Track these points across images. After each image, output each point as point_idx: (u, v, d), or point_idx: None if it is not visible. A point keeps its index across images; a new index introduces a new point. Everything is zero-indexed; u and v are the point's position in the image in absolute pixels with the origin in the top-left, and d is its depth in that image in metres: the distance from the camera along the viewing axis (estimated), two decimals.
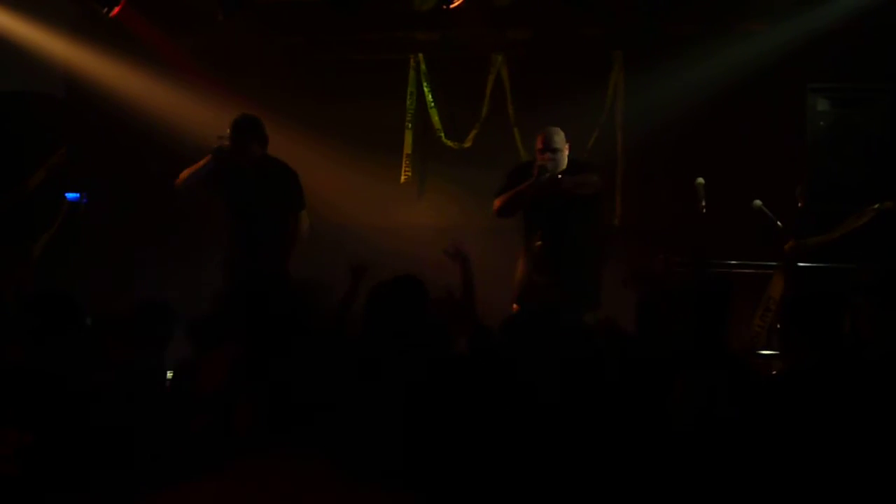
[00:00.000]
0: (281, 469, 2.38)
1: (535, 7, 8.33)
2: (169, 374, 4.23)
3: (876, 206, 6.68)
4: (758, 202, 6.95)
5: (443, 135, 8.85)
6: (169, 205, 6.84)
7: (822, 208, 6.97)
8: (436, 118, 8.85)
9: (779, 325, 5.81)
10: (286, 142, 7.80)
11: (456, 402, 3.14)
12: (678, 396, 3.25)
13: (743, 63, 7.81)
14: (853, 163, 7.02)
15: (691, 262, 6.80)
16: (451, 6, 7.76)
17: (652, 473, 2.98)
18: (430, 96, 8.84)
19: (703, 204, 6.82)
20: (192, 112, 8.18)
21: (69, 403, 3.34)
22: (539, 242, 6.11)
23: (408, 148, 8.90)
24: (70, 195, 7.84)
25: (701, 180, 6.89)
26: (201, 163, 6.57)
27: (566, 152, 6.46)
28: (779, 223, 6.90)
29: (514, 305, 6.38)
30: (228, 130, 6.52)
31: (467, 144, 8.79)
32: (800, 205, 7.12)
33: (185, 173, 6.62)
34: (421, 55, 8.85)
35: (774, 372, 5.58)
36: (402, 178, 8.90)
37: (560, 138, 6.42)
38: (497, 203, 6.57)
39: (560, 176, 6.34)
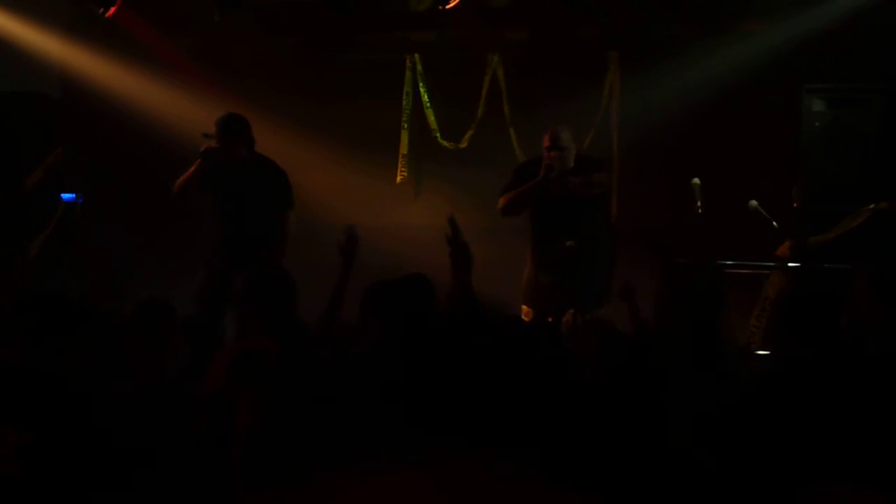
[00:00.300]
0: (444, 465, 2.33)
1: (532, 7, 8.35)
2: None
3: (871, 206, 6.69)
4: (754, 202, 6.96)
5: (439, 135, 8.85)
6: (165, 205, 6.84)
7: (817, 209, 6.99)
8: (432, 118, 8.86)
9: (773, 325, 5.83)
10: (283, 142, 7.81)
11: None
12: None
13: (738, 64, 7.83)
14: (849, 163, 7.03)
15: (688, 262, 6.80)
16: (448, 6, 7.76)
17: (639, 473, 2.97)
18: (426, 96, 8.85)
19: (699, 204, 6.83)
20: (189, 112, 8.17)
21: (67, 404, 3.34)
22: (570, 242, 6.00)
23: (404, 148, 8.91)
24: (66, 196, 7.84)
25: (697, 181, 6.89)
26: (192, 168, 6.56)
27: (573, 150, 6.44)
28: (774, 223, 6.91)
29: (524, 307, 6.38)
30: (214, 129, 6.51)
31: (463, 145, 8.80)
32: (795, 205, 7.13)
33: (179, 181, 6.61)
34: (417, 55, 8.86)
35: (769, 371, 5.58)
36: (398, 178, 8.91)
37: (567, 136, 6.39)
38: (502, 201, 6.51)
39: (569, 177, 6.31)
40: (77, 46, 8.69)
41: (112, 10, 8.00)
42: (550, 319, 5.93)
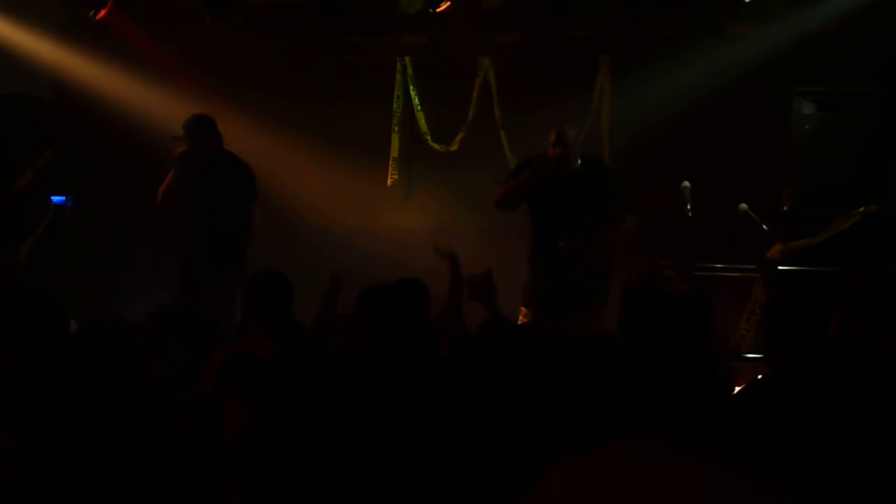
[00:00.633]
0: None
1: (522, 10, 8.34)
2: None
3: (861, 209, 6.71)
4: (744, 206, 6.98)
5: (429, 138, 8.85)
6: (153, 208, 6.85)
7: (807, 211, 7.00)
8: (422, 121, 8.85)
9: (762, 328, 5.83)
10: (272, 144, 7.81)
11: None
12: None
13: (728, 66, 7.85)
14: (838, 166, 7.06)
15: (677, 265, 6.81)
16: (438, 9, 7.76)
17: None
18: (416, 99, 8.85)
19: (689, 207, 6.84)
20: (179, 115, 8.13)
21: (57, 405, 3.33)
22: (562, 244, 6.05)
23: (394, 151, 8.90)
24: (55, 198, 7.82)
25: (687, 184, 6.91)
26: (170, 175, 6.71)
27: (578, 148, 6.42)
28: (765, 226, 6.92)
29: (522, 308, 6.37)
30: (182, 132, 6.67)
31: (454, 147, 8.79)
32: (785, 208, 7.15)
33: (161, 189, 6.76)
34: (408, 58, 8.86)
35: (760, 376, 5.59)
36: (389, 181, 8.91)
37: (573, 134, 6.38)
38: (497, 192, 6.46)
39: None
40: (68, 49, 8.66)
41: (103, 12, 7.98)
42: (547, 321, 5.97)
